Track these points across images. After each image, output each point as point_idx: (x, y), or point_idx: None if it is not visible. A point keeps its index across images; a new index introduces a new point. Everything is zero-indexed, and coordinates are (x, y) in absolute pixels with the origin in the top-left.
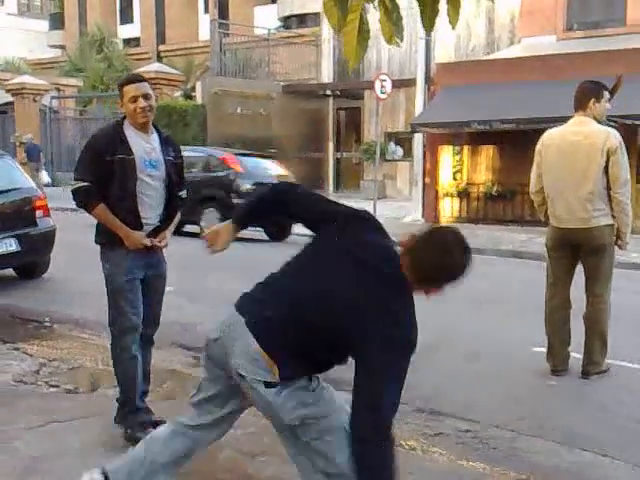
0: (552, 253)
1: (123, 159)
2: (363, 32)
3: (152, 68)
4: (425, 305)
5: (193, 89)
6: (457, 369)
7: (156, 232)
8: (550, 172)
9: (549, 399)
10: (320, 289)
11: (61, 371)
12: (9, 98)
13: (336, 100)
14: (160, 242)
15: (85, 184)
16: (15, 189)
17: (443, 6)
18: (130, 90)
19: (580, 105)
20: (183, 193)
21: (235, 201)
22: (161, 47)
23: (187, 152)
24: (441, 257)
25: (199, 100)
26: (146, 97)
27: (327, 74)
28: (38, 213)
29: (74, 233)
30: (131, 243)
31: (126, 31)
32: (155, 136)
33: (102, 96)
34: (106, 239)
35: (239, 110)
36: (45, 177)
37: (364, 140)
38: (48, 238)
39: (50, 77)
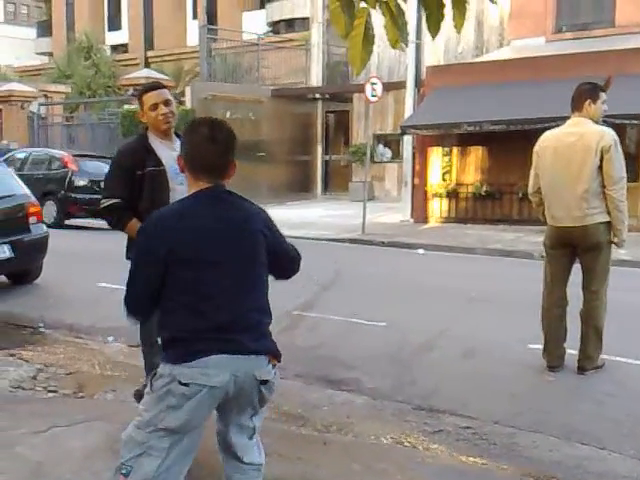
0: (550, 251)
1: (154, 171)
2: (369, 37)
3: (142, 74)
4: (420, 305)
5: (182, 94)
6: (454, 367)
7: None
8: (546, 173)
9: (546, 395)
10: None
11: (58, 376)
12: None
13: (325, 103)
14: None
15: (116, 201)
16: (9, 196)
17: (448, 11)
18: (150, 98)
19: (576, 106)
20: None
21: (71, 195)
22: (149, 53)
23: (35, 153)
24: (190, 137)
25: (189, 105)
26: (167, 103)
27: (316, 78)
28: (31, 219)
29: (65, 239)
30: None
31: (114, 38)
32: (178, 143)
33: (89, 102)
34: None
35: (228, 115)
36: None
37: (352, 142)
38: (41, 244)
39: (38, 84)
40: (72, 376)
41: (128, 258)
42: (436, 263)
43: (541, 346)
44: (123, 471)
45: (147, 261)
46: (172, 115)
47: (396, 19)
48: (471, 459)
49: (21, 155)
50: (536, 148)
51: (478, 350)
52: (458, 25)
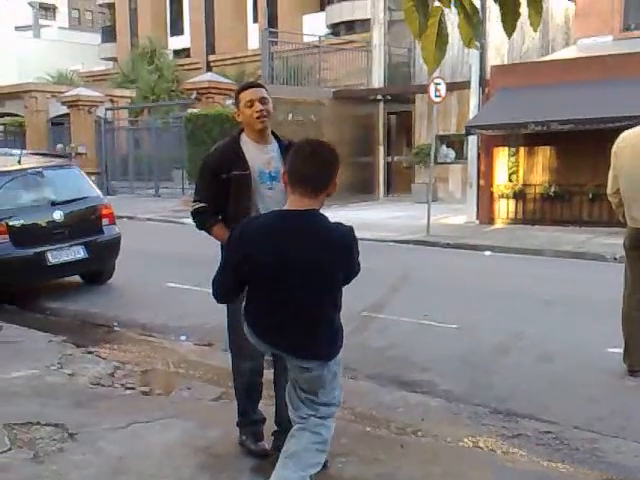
0: (630, 253)
1: (239, 175)
2: (442, 36)
3: (205, 78)
4: (492, 307)
5: None
6: (530, 370)
7: None
8: (625, 173)
9: (628, 399)
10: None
11: (135, 374)
12: (65, 110)
13: (386, 105)
14: None
15: (202, 205)
16: (83, 198)
17: (523, 9)
18: (247, 95)
19: None
20: None
21: None
22: (211, 57)
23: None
24: (294, 155)
25: None
26: (263, 101)
27: (377, 79)
28: (104, 221)
29: (134, 240)
30: None
31: (176, 42)
32: (275, 145)
33: (153, 106)
34: None
35: (290, 117)
36: None
37: (415, 144)
38: (114, 245)
39: (103, 89)
40: (148, 374)
41: None
42: (504, 265)
43: (621, 350)
44: None
45: (228, 262)
46: (267, 114)
47: (470, 17)
48: (553, 464)
49: None
50: (614, 149)
51: (555, 353)
52: (535, 24)
